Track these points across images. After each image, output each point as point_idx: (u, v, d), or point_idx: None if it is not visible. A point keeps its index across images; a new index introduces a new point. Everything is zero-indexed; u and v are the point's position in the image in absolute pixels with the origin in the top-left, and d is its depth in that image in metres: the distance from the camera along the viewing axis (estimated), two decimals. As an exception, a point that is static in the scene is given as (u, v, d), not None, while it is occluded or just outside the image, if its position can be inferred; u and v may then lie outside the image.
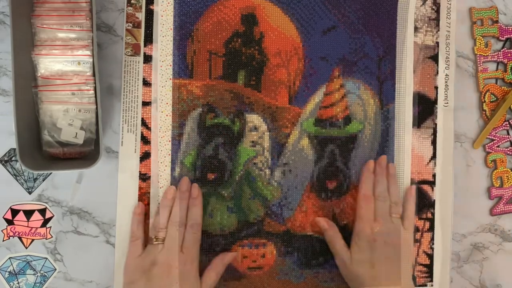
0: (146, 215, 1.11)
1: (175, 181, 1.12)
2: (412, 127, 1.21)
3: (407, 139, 1.21)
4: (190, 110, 1.11)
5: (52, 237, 1.10)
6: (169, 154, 1.11)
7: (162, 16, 1.09)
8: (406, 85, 1.20)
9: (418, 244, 1.22)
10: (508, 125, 1.25)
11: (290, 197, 1.15)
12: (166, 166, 1.11)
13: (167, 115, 1.10)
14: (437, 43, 1.21)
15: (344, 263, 1.12)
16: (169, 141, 1.10)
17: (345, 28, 1.16)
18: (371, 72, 1.18)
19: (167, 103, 1.10)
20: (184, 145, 1.11)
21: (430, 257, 1.23)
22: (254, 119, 1.13)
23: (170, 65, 1.10)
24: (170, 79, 1.10)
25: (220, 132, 1.12)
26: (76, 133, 1.05)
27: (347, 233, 1.16)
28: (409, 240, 1.15)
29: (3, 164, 1.08)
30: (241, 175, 1.13)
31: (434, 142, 1.22)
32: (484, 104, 1.24)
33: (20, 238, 1.09)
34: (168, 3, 1.09)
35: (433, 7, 1.20)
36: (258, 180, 1.13)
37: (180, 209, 1.07)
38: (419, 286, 1.22)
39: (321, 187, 1.17)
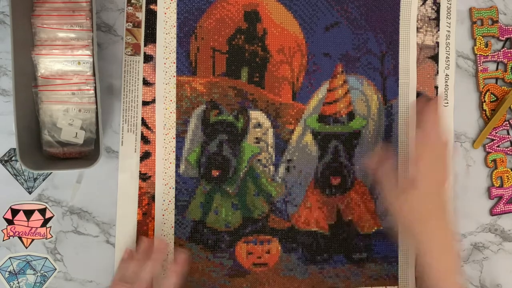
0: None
1: (180, 178, 1.12)
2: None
3: (411, 134, 1.20)
4: (194, 107, 1.11)
5: (52, 237, 1.10)
6: (174, 151, 1.10)
7: (165, 13, 1.09)
8: (410, 80, 1.20)
9: (419, 244, 1.22)
10: (508, 125, 1.25)
11: (294, 193, 1.15)
12: (171, 163, 1.10)
13: (171, 112, 1.10)
14: (437, 43, 1.21)
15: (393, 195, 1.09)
16: (174, 138, 1.10)
17: (348, 24, 1.17)
18: (374, 67, 1.18)
19: (171, 101, 1.10)
20: (188, 142, 1.11)
21: (431, 257, 1.22)
22: (258, 115, 1.13)
23: (174, 63, 1.10)
24: (174, 76, 1.10)
25: (224, 129, 1.12)
26: (76, 133, 1.05)
27: (352, 229, 1.17)
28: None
29: (3, 164, 1.08)
30: (245, 171, 1.13)
31: (434, 142, 1.22)
32: (484, 104, 1.24)
33: (20, 238, 1.09)
34: (171, 0, 1.09)
35: (433, 7, 1.21)
36: (262, 176, 1.13)
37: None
38: (420, 286, 1.22)
39: (325, 183, 1.17)
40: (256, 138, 1.13)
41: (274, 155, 1.14)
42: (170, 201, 1.11)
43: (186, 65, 1.11)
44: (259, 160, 1.13)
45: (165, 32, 1.09)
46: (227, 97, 1.12)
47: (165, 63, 1.09)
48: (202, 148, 1.11)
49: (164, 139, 1.10)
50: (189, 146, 1.11)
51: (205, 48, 1.12)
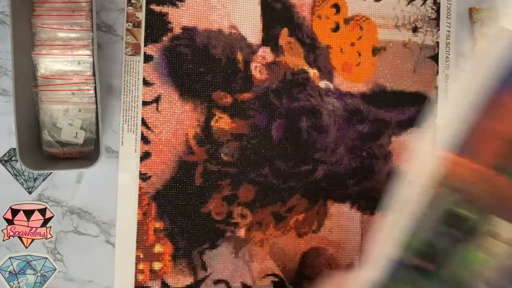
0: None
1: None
2: (412, 127, 1.21)
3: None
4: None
5: (52, 237, 1.10)
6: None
7: None
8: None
9: (420, 244, 1.19)
10: (508, 125, 1.24)
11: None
12: None
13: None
14: (437, 43, 1.21)
15: None
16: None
17: None
18: None
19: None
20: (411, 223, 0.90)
21: (432, 258, 1.19)
22: (505, 227, 0.82)
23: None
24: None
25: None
26: (76, 132, 1.05)
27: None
28: None
29: (3, 164, 1.08)
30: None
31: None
32: (484, 104, 1.23)
33: (20, 238, 1.09)
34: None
35: (433, 7, 1.20)
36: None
37: None
38: (421, 287, 1.19)
39: None
40: (484, 247, 0.74)
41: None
42: None
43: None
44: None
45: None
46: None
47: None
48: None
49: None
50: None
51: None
